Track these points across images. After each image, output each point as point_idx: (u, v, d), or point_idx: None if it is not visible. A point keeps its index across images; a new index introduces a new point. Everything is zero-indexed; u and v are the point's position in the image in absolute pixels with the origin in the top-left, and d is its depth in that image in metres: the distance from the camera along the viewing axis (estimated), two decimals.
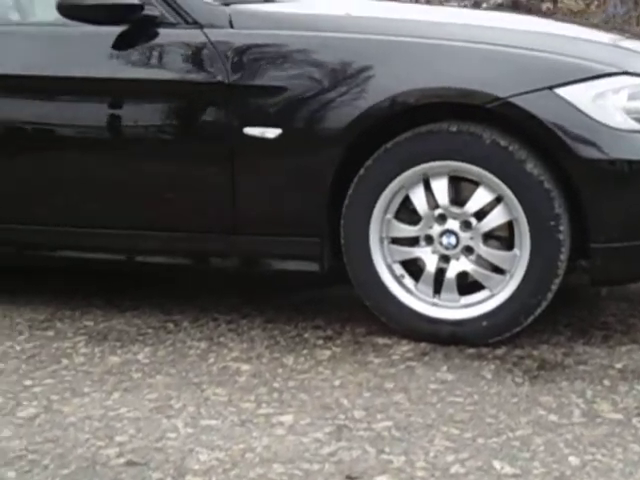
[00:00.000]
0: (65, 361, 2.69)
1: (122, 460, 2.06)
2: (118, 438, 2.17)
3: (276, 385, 2.46)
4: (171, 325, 2.96)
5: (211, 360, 2.65)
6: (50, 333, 2.94)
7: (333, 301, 3.05)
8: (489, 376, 2.47)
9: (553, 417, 2.21)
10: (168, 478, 1.97)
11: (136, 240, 2.92)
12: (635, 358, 2.55)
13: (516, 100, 2.48)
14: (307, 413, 2.27)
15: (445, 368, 2.53)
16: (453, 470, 1.96)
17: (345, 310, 2.94)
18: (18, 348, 2.81)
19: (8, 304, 3.24)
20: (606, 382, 2.39)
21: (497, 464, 1.98)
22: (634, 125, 2.52)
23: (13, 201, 2.99)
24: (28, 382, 2.54)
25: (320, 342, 2.76)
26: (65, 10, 2.74)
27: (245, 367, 2.59)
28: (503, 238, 2.63)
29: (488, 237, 2.63)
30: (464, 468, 1.97)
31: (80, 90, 2.88)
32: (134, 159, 2.86)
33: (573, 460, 1.99)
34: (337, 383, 2.46)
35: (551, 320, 2.81)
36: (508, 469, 1.96)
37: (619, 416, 2.20)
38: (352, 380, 2.47)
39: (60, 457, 2.08)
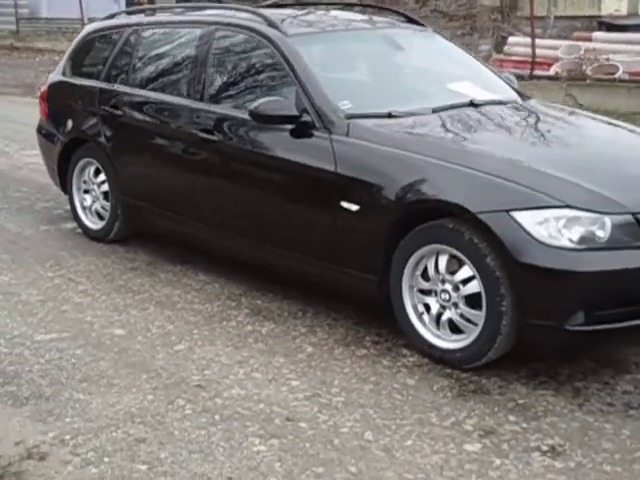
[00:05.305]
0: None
1: (279, 421, 3.59)
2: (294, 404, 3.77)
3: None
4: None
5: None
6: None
7: None
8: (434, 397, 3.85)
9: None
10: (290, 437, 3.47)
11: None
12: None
13: (481, 216, 3.78)
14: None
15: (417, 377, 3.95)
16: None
17: None
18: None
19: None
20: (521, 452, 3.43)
21: None
22: (565, 243, 3.67)
23: None
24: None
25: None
26: (254, 116, 4.56)
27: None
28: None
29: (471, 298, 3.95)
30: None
31: (267, 164, 4.70)
32: (279, 201, 4.67)
33: None
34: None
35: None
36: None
37: None
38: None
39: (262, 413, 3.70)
